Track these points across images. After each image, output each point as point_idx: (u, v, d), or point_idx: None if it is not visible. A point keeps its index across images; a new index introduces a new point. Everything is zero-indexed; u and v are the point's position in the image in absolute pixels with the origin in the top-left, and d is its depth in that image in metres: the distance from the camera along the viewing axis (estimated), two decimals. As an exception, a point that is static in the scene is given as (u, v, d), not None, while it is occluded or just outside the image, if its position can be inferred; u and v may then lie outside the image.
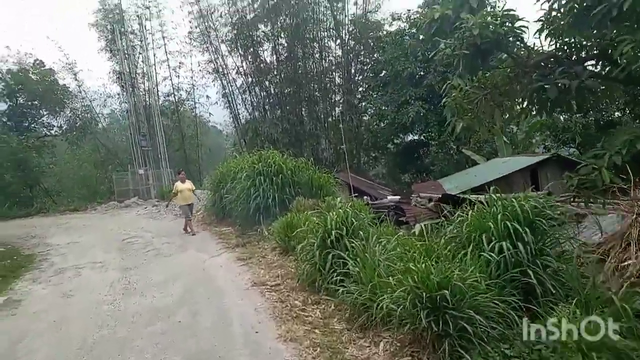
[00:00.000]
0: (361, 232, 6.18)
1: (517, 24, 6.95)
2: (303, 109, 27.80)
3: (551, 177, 12.57)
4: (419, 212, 7.49)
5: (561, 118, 18.19)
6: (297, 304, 6.05)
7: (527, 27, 7.10)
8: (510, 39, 7.09)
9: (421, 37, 24.64)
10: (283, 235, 8.54)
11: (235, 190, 11.95)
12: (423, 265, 4.46)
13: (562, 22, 6.99)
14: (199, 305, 6.40)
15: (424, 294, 4.14)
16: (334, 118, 28.31)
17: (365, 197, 14.82)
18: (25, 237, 14.76)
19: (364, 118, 27.66)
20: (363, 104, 28.75)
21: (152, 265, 9.43)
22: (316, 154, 25.79)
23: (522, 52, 7.72)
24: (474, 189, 12.76)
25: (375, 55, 27.53)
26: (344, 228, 6.19)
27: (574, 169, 6.96)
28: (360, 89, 28.85)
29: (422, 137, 26.05)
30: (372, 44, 27.25)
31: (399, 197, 11.74)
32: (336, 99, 28.69)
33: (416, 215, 7.30)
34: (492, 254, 4.72)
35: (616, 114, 19.74)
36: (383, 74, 26.75)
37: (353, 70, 28.42)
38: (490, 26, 6.65)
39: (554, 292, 4.55)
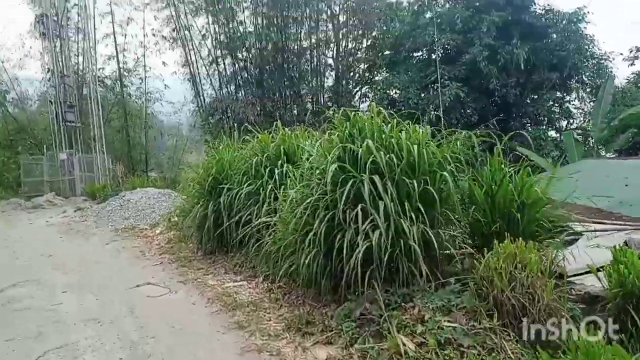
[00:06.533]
0: None
1: None
2: (287, 90, 20.65)
3: None
4: None
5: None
6: None
7: None
8: None
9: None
10: None
11: (281, 205, 4.53)
12: None
13: None
14: None
15: None
16: (323, 102, 21.44)
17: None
18: None
19: (362, 104, 21.03)
20: (356, 88, 22.20)
21: None
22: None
23: None
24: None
25: (376, 31, 20.98)
26: None
27: None
28: (359, 70, 22.16)
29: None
30: (375, 17, 20.48)
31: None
32: (327, 84, 21.95)
33: None
34: None
35: None
36: (388, 52, 20.16)
37: (350, 46, 21.68)
38: None
39: None
